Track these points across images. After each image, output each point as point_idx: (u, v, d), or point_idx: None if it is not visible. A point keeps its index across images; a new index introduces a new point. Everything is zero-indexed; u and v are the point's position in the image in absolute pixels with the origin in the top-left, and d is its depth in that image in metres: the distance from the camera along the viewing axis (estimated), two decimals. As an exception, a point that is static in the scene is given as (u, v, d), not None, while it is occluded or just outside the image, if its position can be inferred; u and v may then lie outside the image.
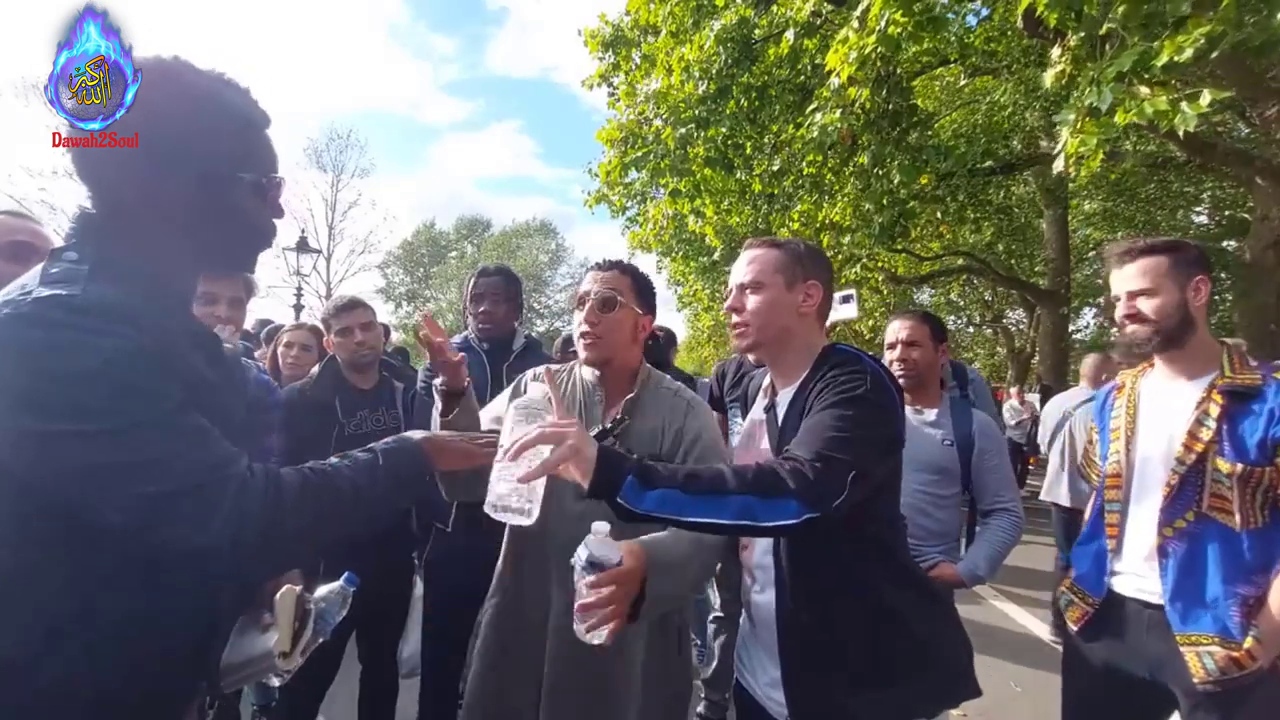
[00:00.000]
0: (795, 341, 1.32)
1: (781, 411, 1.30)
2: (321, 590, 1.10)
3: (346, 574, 1.12)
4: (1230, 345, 1.54)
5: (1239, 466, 1.41)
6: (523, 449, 1.01)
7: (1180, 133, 3.31)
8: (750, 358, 1.45)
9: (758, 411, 1.41)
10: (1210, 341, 1.55)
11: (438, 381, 1.49)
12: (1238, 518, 1.42)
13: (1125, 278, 1.57)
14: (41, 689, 0.74)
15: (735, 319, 1.34)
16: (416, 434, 1.03)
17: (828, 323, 2.19)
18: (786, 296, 1.30)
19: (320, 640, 1.06)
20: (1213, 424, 1.45)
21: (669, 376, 1.66)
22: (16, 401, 0.70)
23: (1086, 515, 1.76)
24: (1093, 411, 1.83)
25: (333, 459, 0.89)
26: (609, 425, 1.49)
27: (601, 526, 1.09)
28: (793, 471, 1.00)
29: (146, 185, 0.84)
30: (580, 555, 1.07)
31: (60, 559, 0.75)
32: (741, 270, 1.35)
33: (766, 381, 1.43)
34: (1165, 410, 1.56)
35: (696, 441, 1.47)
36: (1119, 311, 1.58)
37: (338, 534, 0.86)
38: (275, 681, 1.05)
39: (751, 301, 1.31)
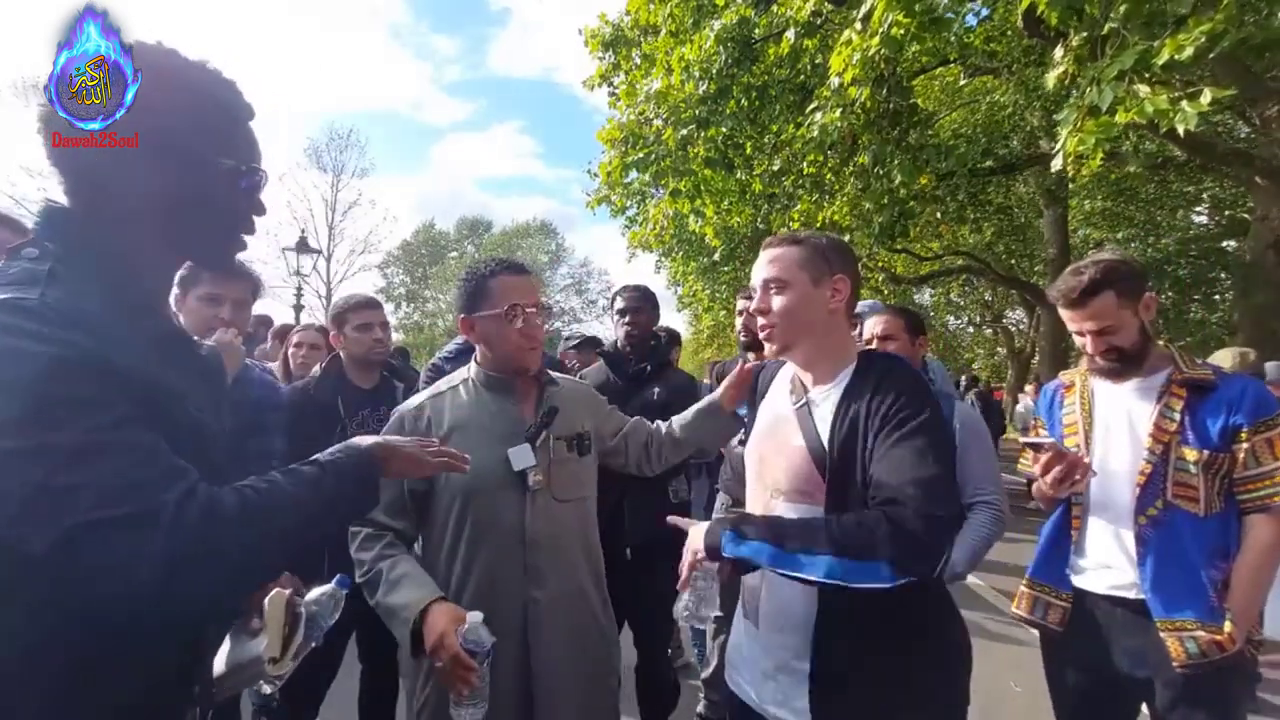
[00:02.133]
0: (826, 340, 1.28)
1: (821, 411, 1.26)
2: (313, 594, 1.07)
3: (339, 576, 1.09)
4: (1177, 345, 1.65)
5: (1204, 453, 1.49)
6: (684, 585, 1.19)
7: (1180, 131, 3.30)
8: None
9: (784, 406, 1.36)
10: (1158, 343, 1.64)
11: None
12: (1201, 504, 1.50)
13: (1083, 319, 1.60)
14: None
15: (762, 320, 1.29)
16: (366, 440, 0.96)
17: None
18: (814, 293, 1.25)
19: (313, 645, 1.03)
20: (1176, 415, 1.53)
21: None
22: None
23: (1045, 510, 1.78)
24: (1039, 407, 1.87)
25: (277, 473, 0.83)
26: (543, 419, 1.52)
27: (475, 616, 1.25)
28: (893, 532, 1.00)
29: (122, 174, 0.81)
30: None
31: (16, 584, 0.70)
32: (764, 269, 1.30)
33: (789, 375, 1.40)
34: (1125, 405, 1.62)
35: (611, 413, 1.74)
36: (1090, 348, 1.62)
37: (285, 553, 0.81)
38: (267, 689, 1.01)
39: (778, 301, 1.26)
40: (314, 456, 0.88)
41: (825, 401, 1.26)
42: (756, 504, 1.36)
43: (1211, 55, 3.32)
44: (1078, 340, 1.66)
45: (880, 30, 4.58)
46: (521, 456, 1.46)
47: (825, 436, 1.22)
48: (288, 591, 1.01)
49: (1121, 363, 1.60)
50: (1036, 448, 1.62)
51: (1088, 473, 1.56)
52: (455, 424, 1.50)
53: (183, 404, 0.82)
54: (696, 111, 6.73)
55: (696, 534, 1.16)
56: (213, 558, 0.71)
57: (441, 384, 1.61)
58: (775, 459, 1.31)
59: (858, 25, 4.80)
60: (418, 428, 1.50)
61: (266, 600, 0.98)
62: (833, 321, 1.27)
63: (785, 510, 1.27)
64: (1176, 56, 3.22)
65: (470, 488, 1.43)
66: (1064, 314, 1.65)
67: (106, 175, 0.81)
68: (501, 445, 1.46)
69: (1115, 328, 1.57)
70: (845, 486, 1.17)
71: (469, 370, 1.60)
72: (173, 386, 0.80)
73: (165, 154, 0.82)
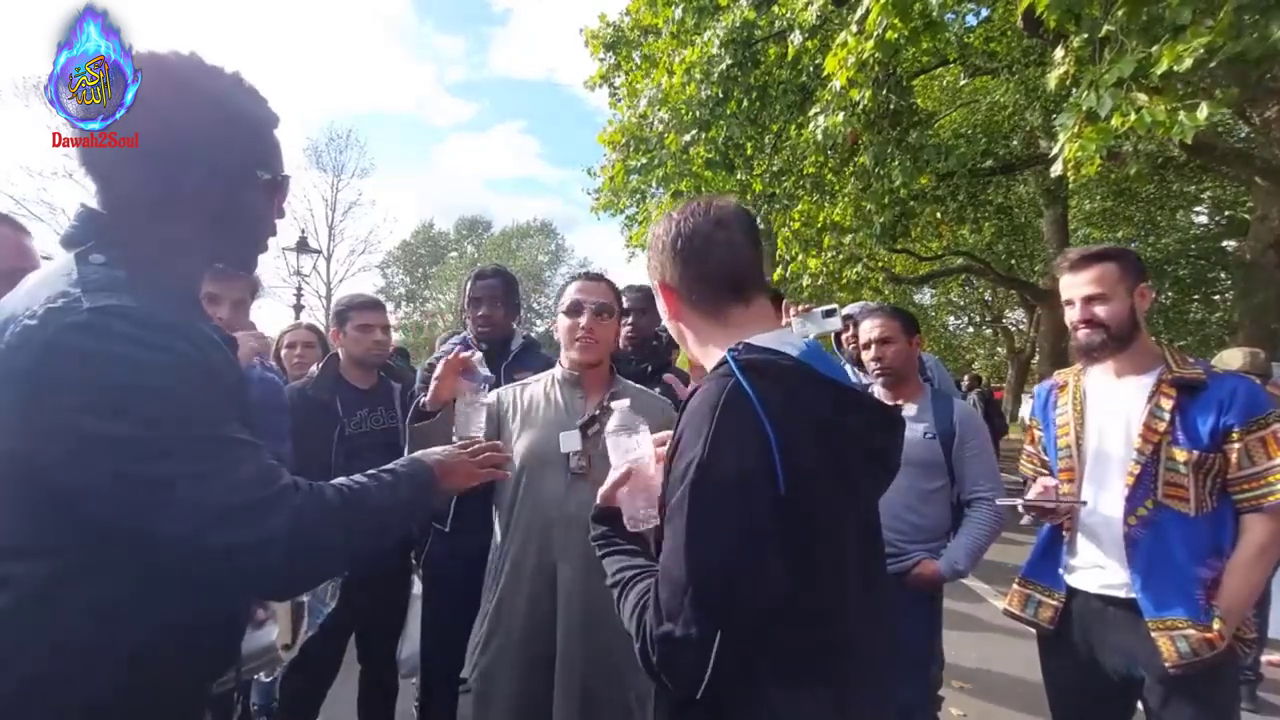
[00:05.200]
0: (691, 349, 1.08)
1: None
2: None
3: None
4: (1168, 344, 1.66)
5: (1194, 454, 1.49)
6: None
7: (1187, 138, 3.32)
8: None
9: None
10: (1150, 341, 1.64)
11: (427, 399, 1.57)
12: (1192, 504, 1.50)
13: (1079, 283, 1.62)
14: (71, 704, 0.74)
15: None
16: (431, 455, 1.05)
17: (808, 335, 2.16)
18: (660, 304, 1.09)
19: (310, 632, 1.09)
20: (1166, 415, 1.53)
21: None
22: (82, 408, 0.69)
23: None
24: (1034, 408, 1.88)
25: (357, 476, 0.90)
26: (598, 411, 1.63)
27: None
28: (642, 646, 0.83)
29: (159, 183, 0.83)
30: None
31: (92, 571, 0.74)
32: None
33: None
34: (1116, 405, 1.63)
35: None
36: (1075, 315, 1.64)
37: (365, 550, 0.89)
38: (264, 677, 1.08)
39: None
40: (388, 466, 0.96)
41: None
42: None
43: (1210, 66, 3.33)
44: (1067, 314, 1.67)
45: (875, 34, 4.58)
46: (569, 440, 1.60)
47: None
48: None
49: (1104, 338, 1.59)
50: (1031, 507, 1.69)
51: (1075, 510, 1.63)
52: (526, 409, 1.71)
53: (244, 403, 0.89)
54: (697, 114, 6.73)
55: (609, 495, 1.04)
56: (324, 538, 0.79)
57: (530, 379, 1.81)
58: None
59: (853, 28, 4.80)
60: (499, 412, 1.73)
61: None
62: (684, 327, 1.06)
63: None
64: (1176, 67, 3.24)
65: (526, 463, 1.61)
66: (1064, 281, 1.67)
67: (135, 183, 0.83)
68: (559, 430, 1.62)
69: (1107, 297, 1.58)
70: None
71: (554, 369, 1.79)
72: (240, 382, 0.88)
73: (199, 165, 0.85)
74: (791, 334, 0.99)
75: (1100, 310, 1.59)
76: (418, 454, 1.04)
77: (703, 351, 1.03)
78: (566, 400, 1.70)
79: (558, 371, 1.77)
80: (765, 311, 1.02)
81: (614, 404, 1.12)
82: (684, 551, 0.80)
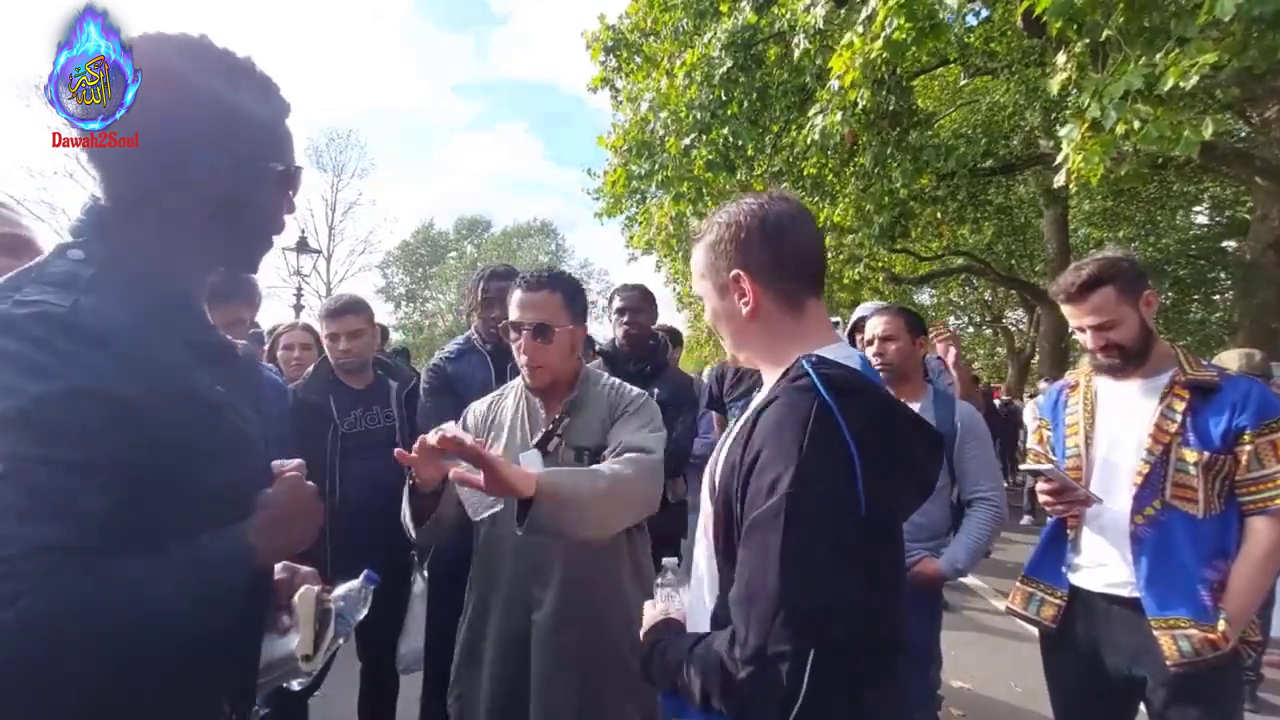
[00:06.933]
0: (760, 349, 1.02)
1: (733, 431, 1.02)
2: (340, 589, 1.07)
3: (366, 572, 1.10)
4: (1181, 346, 1.66)
5: (1204, 455, 1.50)
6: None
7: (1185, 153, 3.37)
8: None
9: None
10: (1163, 344, 1.64)
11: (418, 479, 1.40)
12: (1200, 505, 1.51)
13: (1082, 314, 1.62)
14: (71, 704, 0.70)
15: None
16: (249, 531, 0.80)
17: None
18: (722, 304, 1.02)
19: (340, 641, 1.03)
20: (1178, 416, 1.53)
21: (608, 376, 1.73)
22: None
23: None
24: (1043, 408, 1.88)
25: (158, 561, 0.71)
26: (551, 426, 1.55)
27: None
28: (726, 685, 0.82)
29: (163, 175, 0.81)
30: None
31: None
32: None
33: None
34: (1127, 406, 1.63)
35: (639, 429, 1.54)
36: (1090, 343, 1.63)
37: (128, 651, 0.68)
38: (296, 685, 1.02)
39: (707, 314, 1.10)
40: (202, 543, 0.75)
41: (738, 427, 1.00)
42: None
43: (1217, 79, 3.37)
44: (1080, 337, 1.67)
45: (881, 34, 4.60)
46: (530, 461, 1.48)
47: (719, 462, 0.99)
48: (317, 588, 1.00)
49: (1123, 359, 1.60)
50: (1037, 474, 1.67)
51: (1090, 503, 1.61)
52: (495, 424, 1.65)
53: (221, 412, 0.81)
54: (698, 115, 6.73)
55: (650, 618, 1.08)
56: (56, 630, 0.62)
57: (504, 387, 1.73)
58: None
59: (859, 28, 4.82)
60: (468, 424, 1.66)
61: (296, 597, 0.98)
62: (757, 327, 0.99)
63: (700, 551, 1.05)
64: (1181, 84, 3.27)
65: None
66: (1065, 310, 1.67)
67: (138, 174, 0.81)
68: (522, 448, 1.53)
69: (1115, 323, 1.58)
70: (728, 539, 0.93)
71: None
72: (207, 394, 0.79)
73: (207, 156, 0.82)
74: (847, 347, 0.99)
75: (1113, 335, 1.59)
76: (241, 526, 0.80)
77: (771, 353, 0.99)
78: (529, 412, 1.62)
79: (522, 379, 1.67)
80: (826, 312, 1.02)
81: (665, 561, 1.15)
82: (777, 571, 0.79)
